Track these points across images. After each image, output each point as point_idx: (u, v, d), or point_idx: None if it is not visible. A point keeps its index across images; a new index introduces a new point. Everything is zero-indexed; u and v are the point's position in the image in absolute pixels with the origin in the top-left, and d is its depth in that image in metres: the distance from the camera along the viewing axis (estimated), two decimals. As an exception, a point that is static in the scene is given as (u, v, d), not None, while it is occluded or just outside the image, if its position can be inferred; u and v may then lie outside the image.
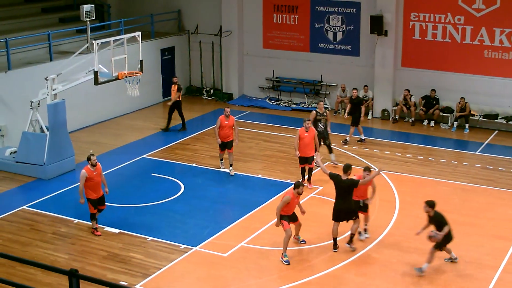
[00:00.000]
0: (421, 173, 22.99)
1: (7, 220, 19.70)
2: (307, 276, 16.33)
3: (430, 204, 16.58)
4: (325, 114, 23.36)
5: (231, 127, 22.71)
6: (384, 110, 29.51)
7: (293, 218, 17.31)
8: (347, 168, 17.60)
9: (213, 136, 24.27)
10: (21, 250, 17.83)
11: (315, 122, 23.09)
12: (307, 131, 21.35)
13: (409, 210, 19.94)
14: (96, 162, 18.43)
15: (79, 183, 18.48)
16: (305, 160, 21.64)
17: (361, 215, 18.05)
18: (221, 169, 23.32)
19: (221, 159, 23.40)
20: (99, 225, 18.90)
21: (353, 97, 26.16)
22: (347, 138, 26.15)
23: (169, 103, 28.02)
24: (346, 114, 26.42)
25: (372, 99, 29.58)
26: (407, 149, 25.65)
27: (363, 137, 26.27)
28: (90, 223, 18.88)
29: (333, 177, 17.46)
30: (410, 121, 28.76)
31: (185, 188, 21.92)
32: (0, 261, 16.85)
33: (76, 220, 19.56)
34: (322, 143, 23.17)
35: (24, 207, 20.60)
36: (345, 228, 17.87)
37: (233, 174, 22.94)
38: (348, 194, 17.34)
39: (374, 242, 18.05)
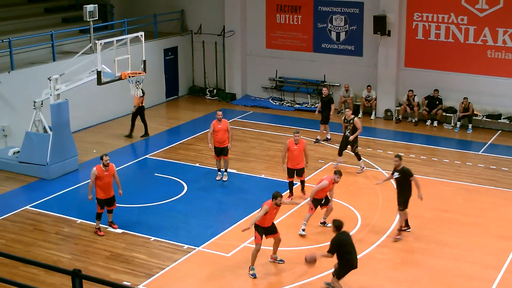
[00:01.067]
0: (424, 173, 22.95)
1: (10, 220, 19.72)
2: (310, 276, 16.32)
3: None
4: (351, 121, 23.18)
5: (225, 130, 22.13)
6: (387, 110, 29.50)
7: (271, 231, 16.72)
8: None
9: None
10: (24, 250, 17.85)
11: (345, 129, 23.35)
12: (296, 143, 20.41)
13: (412, 210, 19.81)
14: (108, 163, 18.40)
15: (88, 181, 18.61)
16: (292, 173, 20.75)
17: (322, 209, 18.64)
18: (217, 179, 22.70)
19: (219, 169, 22.70)
20: (102, 226, 18.92)
21: (323, 95, 26.19)
22: (318, 137, 26.45)
23: (133, 110, 27.26)
24: (317, 112, 26.65)
25: (375, 99, 29.56)
26: (410, 149, 25.64)
27: (329, 137, 26.46)
28: (94, 223, 18.90)
29: None
30: (413, 121, 28.75)
31: (188, 188, 21.92)
32: (3, 261, 16.87)
33: (79, 220, 19.58)
34: (351, 151, 23.40)
35: (27, 207, 20.63)
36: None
37: (226, 179, 22.59)
38: None
39: (378, 242, 18.05)
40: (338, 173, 18.32)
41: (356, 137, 23.16)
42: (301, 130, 27.27)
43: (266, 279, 16.46)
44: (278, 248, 17.03)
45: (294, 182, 21.00)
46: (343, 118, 23.76)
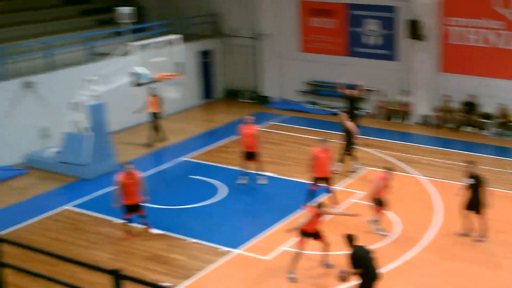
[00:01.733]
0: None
1: (51, 219, 19.98)
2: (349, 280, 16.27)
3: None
4: (344, 124, 23.25)
5: (254, 135, 22.06)
6: (423, 116, 29.36)
7: (317, 236, 16.73)
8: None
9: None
10: (65, 248, 18.03)
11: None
12: (323, 151, 20.22)
13: (452, 217, 19.80)
14: (132, 171, 18.35)
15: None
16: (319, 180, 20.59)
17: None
18: (240, 183, 22.54)
19: (244, 173, 22.53)
20: (141, 226, 19.03)
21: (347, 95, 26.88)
22: None
23: (159, 116, 26.83)
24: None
25: (411, 105, 29.41)
26: (448, 155, 25.46)
27: None
28: (133, 224, 19.03)
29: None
30: (450, 127, 28.58)
31: (225, 191, 21.97)
32: (44, 258, 16.97)
33: (119, 221, 19.66)
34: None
35: (67, 206, 20.84)
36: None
37: (263, 182, 22.55)
38: None
39: (416, 249, 17.96)
40: (390, 169, 18.52)
41: (351, 139, 23.10)
42: (336, 134, 27.33)
43: (307, 283, 16.44)
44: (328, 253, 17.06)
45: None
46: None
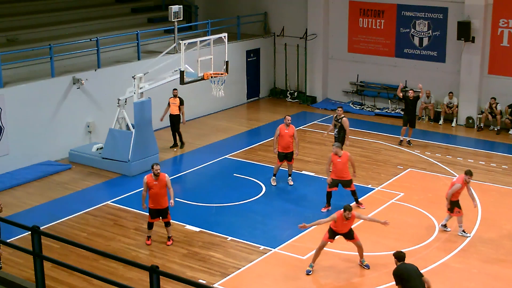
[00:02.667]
0: (505, 183, 22.61)
1: (92, 214, 20.22)
2: (385, 283, 16.22)
3: None
4: (339, 121, 23.17)
5: (291, 136, 21.89)
6: (469, 118, 29.10)
7: (348, 237, 16.88)
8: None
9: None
10: (105, 244, 18.26)
11: (334, 127, 23.40)
12: (339, 156, 20.09)
13: (492, 220, 19.66)
14: (159, 173, 17.68)
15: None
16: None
17: None
18: (272, 184, 22.49)
19: (275, 174, 22.47)
20: (180, 223, 19.20)
21: (410, 97, 26.08)
22: (402, 138, 26.55)
23: (183, 121, 26.04)
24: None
25: (457, 106, 29.20)
26: (492, 158, 25.26)
27: (406, 139, 26.61)
28: (172, 221, 19.21)
29: None
30: (495, 129, 28.30)
31: (266, 190, 22.06)
32: (84, 253, 17.29)
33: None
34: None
35: (108, 202, 21.09)
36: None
37: (292, 183, 22.53)
38: None
39: (455, 252, 17.84)
40: (468, 173, 18.53)
41: (344, 137, 23.15)
42: (381, 135, 27.26)
43: (343, 283, 16.45)
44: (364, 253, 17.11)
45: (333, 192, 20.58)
46: (334, 115, 23.64)
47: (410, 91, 26.21)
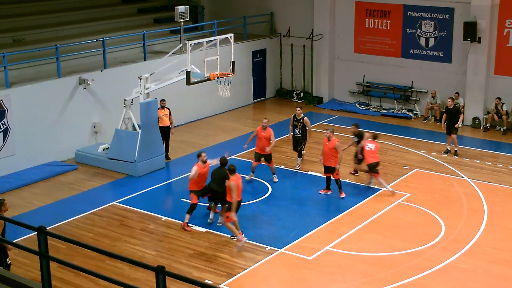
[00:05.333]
0: (511, 183, 22.57)
1: (98, 214, 20.24)
2: (392, 283, 16.23)
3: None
4: (301, 120, 23.37)
5: (268, 139, 22.21)
6: (475, 118, 29.06)
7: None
8: None
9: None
10: (111, 244, 18.28)
11: (293, 127, 23.62)
12: (329, 141, 21.11)
13: (498, 220, 19.63)
14: (206, 159, 19.26)
15: (189, 174, 19.18)
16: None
17: None
18: (248, 177, 22.62)
19: (252, 171, 22.82)
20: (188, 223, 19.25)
21: (449, 106, 25.19)
22: (448, 147, 25.60)
23: (172, 130, 25.12)
24: (442, 124, 25.41)
25: (463, 107, 29.15)
26: (498, 158, 25.23)
27: (449, 149, 25.64)
28: (179, 221, 19.24)
29: None
30: (502, 130, 28.26)
31: (273, 190, 22.06)
32: (90, 254, 17.31)
33: (164, 218, 19.92)
34: (296, 149, 24.00)
35: (114, 202, 21.12)
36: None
37: (276, 181, 22.74)
38: None
39: (461, 252, 17.82)
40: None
41: (305, 136, 23.57)
42: (387, 136, 27.21)
43: (350, 283, 16.45)
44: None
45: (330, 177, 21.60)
46: (292, 115, 23.78)
47: (449, 100, 25.36)
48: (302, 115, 23.59)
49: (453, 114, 25.07)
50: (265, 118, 22.88)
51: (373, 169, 21.71)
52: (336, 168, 21.08)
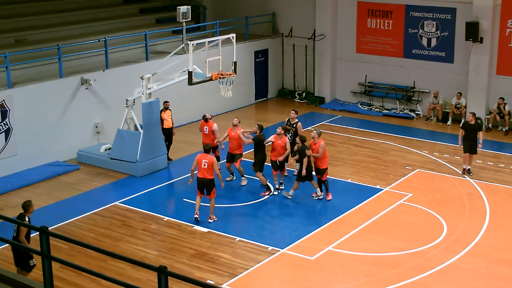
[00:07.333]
0: (513, 183, 22.60)
1: (100, 214, 20.24)
2: (393, 283, 16.23)
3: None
4: (294, 125, 23.03)
5: (236, 139, 22.21)
6: (477, 118, 28.99)
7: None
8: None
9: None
10: (113, 244, 18.28)
11: (286, 132, 23.02)
12: (315, 143, 20.97)
13: (500, 221, 19.63)
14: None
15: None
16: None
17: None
18: (226, 180, 22.43)
19: (231, 173, 22.86)
20: (188, 224, 19.30)
21: (469, 121, 23.13)
22: (464, 166, 23.42)
23: (174, 131, 25.05)
24: (459, 142, 23.51)
25: (465, 107, 29.13)
26: (500, 158, 25.21)
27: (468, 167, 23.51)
28: (180, 221, 19.30)
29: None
30: (504, 130, 28.25)
31: (275, 190, 22.03)
32: (92, 254, 17.32)
33: (166, 218, 19.92)
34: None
35: (116, 202, 21.12)
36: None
37: (245, 184, 22.61)
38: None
39: (463, 252, 17.81)
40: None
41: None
42: (389, 136, 27.26)
43: (351, 284, 16.45)
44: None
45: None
46: (286, 119, 23.54)
47: (470, 115, 23.35)
48: (296, 119, 23.22)
49: (474, 130, 23.09)
50: (236, 118, 22.87)
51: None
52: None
